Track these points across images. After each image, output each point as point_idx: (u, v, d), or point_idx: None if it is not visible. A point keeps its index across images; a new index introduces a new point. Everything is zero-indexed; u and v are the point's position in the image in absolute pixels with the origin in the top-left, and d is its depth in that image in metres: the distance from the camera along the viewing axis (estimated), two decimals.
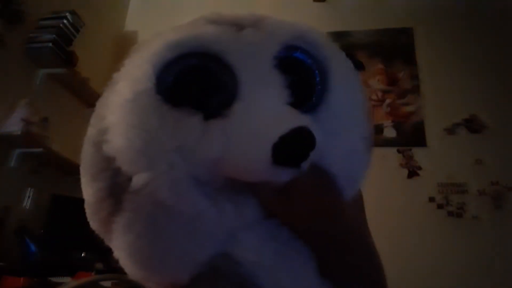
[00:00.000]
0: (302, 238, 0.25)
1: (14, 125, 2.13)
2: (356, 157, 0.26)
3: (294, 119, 0.21)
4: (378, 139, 2.74)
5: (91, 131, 0.27)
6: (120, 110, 0.23)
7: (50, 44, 2.34)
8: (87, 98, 2.88)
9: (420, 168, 2.59)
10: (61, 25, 2.43)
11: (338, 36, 3.12)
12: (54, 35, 2.36)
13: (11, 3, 2.23)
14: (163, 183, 0.21)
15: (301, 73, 0.24)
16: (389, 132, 2.74)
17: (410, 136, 2.70)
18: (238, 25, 0.25)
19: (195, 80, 0.22)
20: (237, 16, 0.27)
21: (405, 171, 2.60)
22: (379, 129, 2.76)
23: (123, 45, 3.48)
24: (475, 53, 2.83)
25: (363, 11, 3.16)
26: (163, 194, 0.21)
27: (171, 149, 0.21)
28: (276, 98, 0.22)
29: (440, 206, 2.47)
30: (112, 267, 2.17)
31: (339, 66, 0.26)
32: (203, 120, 0.22)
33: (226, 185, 0.23)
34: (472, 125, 2.64)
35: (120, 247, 0.24)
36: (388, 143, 2.70)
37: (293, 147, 0.20)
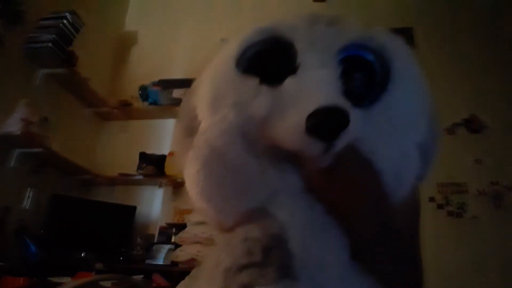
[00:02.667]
0: (337, 218, 0.26)
1: (14, 125, 2.13)
2: (404, 161, 0.27)
3: (335, 99, 0.23)
4: None
5: (192, 87, 0.33)
6: (207, 72, 0.29)
7: (50, 44, 2.34)
8: (87, 98, 2.88)
9: None
10: (61, 25, 2.43)
11: None
12: (54, 35, 2.36)
13: (11, 3, 2.23)
14: (216, 131, 0.26)
15: (362, 70, 0.27)
16: None
17: None
18: (314, 21, 0.29)
19: (266, 57, 0.27)
20: (318, 15, 0.31)
21: None
22: None
23: (123, 45, 3.48)
24: (475, 53, 2.83)
25: (363, 11, 3.16)
26: (215, 140, 0.26)
27: (229, 104, 0.26)
28: (328, 82, 0.25)
29: (440, 206, 2.47)
30: (112, 267, 2.17)
31: (403, 71, 0.28)
32: (259, 84, 0.26)
33: (274, 153, 0.26)
34: (472, 125, 2.64)
35: (187, 176, 0.29)
36: None
37: (324, 121, 0.22)
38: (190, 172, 0.28)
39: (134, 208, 2.69)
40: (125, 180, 2.84)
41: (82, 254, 2.36)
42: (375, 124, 0.26)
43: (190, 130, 0.29)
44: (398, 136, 0.27)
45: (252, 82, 0.26)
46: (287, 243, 0.24)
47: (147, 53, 3.42)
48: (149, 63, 3.34)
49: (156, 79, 3.04)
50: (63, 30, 2.44)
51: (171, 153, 2.78)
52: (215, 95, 0.27)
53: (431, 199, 2.48)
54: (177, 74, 3.18)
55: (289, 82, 0.25)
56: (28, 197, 2.33)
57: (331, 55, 0.26)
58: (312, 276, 0.23)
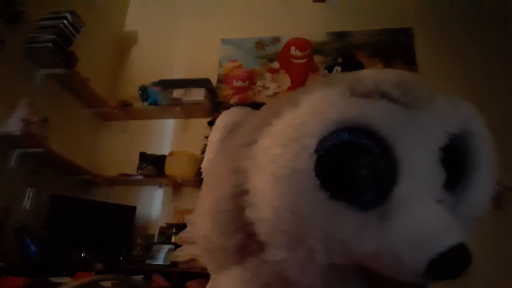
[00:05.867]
0: None
1: (14, 125, 2.13)
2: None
3: (454, 232, 0.21)
4: None
5: (227, 182, 0.24)
6: (273, 180, 0.20)
7: (50, 44, 2.34)
8: (87, 98, 2.89)
9: None
10: (61, 25, 2.43)
11: (338, 36, 3.12)
12: (54, 35, 2.36)
13: (11, 3, 2.23)
14: (298, 266, 0.21)
15: (456, 162, 0.24)
16: None
17: None
18: (408, 104, 0.23)
19: (355, 163, 0.20)
20: (407, 89, 0.23)
21: None
22: None
23: (123, 45, 3.48)
24: (475, 53, 2.83)
25: (363, 11, 3.16)
26: (293, 274, 0.22)
27: (318, 238, 0.20)
28: (436, 197, 0.22)
29: None
30: (112, 267, 2.17)
31: (486, 157, 0.25)
32: (359, 211, 0.20)
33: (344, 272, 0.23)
34: None
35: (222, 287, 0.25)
36: None
37: (449, 267, 0.21)
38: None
39: (134, 208, 2.69)
40: (125, 180, 2.84)
41: (82, 254, 2.36)
42: (460, 216, 0.24)
43: (240, 249, 0.24)
44: (469, 221, 0.26)
45: (352, 215, 0.20)
46: None
47: (147, 53, 3.42)
48: (149, 63, 3.34)
49: (156, 79, 3.04)
50: (63, 30, 2.44)
51: (171, 153, 2.78)
52: (296, 225, 0.20)
53: None
54: (177, 74, 3.18)
55: (397, 208, 0.20)
56: (28, 197, 2.33)
57: (433, 157, 0.22)
58: None
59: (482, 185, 0.25)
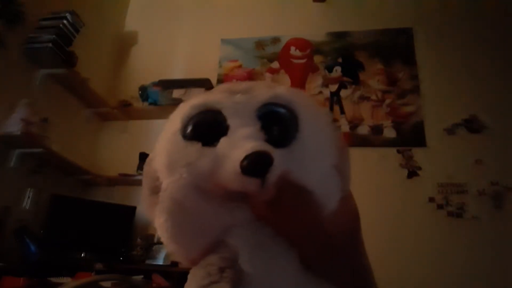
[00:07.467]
0: (285, 238, 0.34)
1: (14, 125, 2.13)
2: (326, 180, 0.36)
3: (259, 146, 0.31)
4: (378, 139, 2.74)
5: (151, 156, 0.41)
6: (161, 141, 0.37)
7: (50, 44, 2.34)
8: (87, 98, 2.89)
9: (420, 168, 2.59)
10: (61, 25, 2.43)
11: (338, 36, 3.12)
12: (54, 35, 2.36)
13: (11, 3, 2.23)
14: (175, 187, 0.34)
15: (277, 120, 0.36)
16: (389, 132, 2.74)
17: (410, 136, 2.70)
18: (235, 92, 0.37)
19: (203, 125, 0.36)
20: (236, 86, 0.39)
21: (405, 171, 2.60)
22: (379, 130, 2.76)
23: (123, 45, 3.48)
24: (475, 53, 2.83)
25: (363, 11, 3.17)
26: (175, 194, 0.34)
27: (181, 165, 0.33)
28: (251, 135, 0.33)
29: (440, 206, 2.46)
30: (112, 267, 2.17)
31: (307, 114, 0.37)
32: (202, 147, 0.33)
33: (225, 196, 0.33)
34: (472, 125, 2.64)
35: (157, 225, 0.36)
36: (388, 143, 2.70)
37: (253, 162, 0.30)
38: (159, 222, 0.36)
39: (134, 208, 2.69)
40: (125, 180, 2.84)
41: (82, 254, 2.36)
42: (295, 158, 0.34)
43: (154, 189, 0.37)
44: (315, 163, 0.35)
45: (196, 147, 0.34)
46: (237, 262, 0.33)
47: (147, 53, 3.42)
48: (149, 63, 3.34)
49: (156, 79, 3.04)
50: (63, 30, 2.44)
51: None
52: (170, 160, 0.35)
53: (431, 199, 2.48)
54: (177, 74, 3.18)
55: (222, 141, 0.33)
56: (28, 197, 2.33)
57: (251, 116, 0.35)
58: (261, 285, 0.32)
59: (310, 133, 0.35)
